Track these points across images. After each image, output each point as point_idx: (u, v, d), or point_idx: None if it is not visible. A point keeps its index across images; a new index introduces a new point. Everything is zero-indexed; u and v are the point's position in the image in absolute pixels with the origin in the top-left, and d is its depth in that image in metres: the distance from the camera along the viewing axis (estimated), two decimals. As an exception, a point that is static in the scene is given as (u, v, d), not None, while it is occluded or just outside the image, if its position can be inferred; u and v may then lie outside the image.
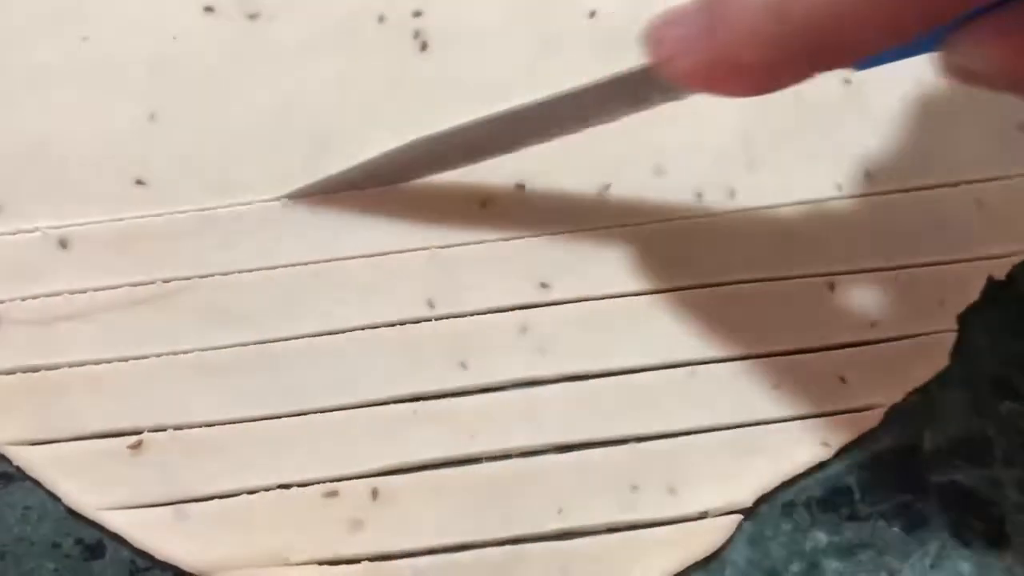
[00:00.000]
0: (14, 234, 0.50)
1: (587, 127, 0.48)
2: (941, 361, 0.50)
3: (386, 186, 0.51)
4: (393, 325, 0.50)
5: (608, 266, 0.51)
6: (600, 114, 0.47)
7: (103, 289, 0.50)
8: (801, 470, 0.49)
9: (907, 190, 0.52)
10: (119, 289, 0.50)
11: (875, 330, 0.50)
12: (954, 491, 0.49)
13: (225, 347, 0.49)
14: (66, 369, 0.49)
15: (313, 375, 0.49)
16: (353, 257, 0.50)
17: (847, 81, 0.53)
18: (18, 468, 0.48)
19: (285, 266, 0.50)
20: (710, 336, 0.50)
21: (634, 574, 0.48)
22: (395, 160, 0.50)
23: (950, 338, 0.51)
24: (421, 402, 0.49)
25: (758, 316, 0.50)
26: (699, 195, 0.52)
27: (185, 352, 0.49)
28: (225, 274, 0.50)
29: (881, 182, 0.52)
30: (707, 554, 0.48)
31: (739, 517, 0.48)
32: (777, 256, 0.51)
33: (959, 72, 0.38)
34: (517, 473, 0.49)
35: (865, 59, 0.38)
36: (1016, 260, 0.52)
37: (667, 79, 0.40)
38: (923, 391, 0.50)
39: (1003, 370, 0.51)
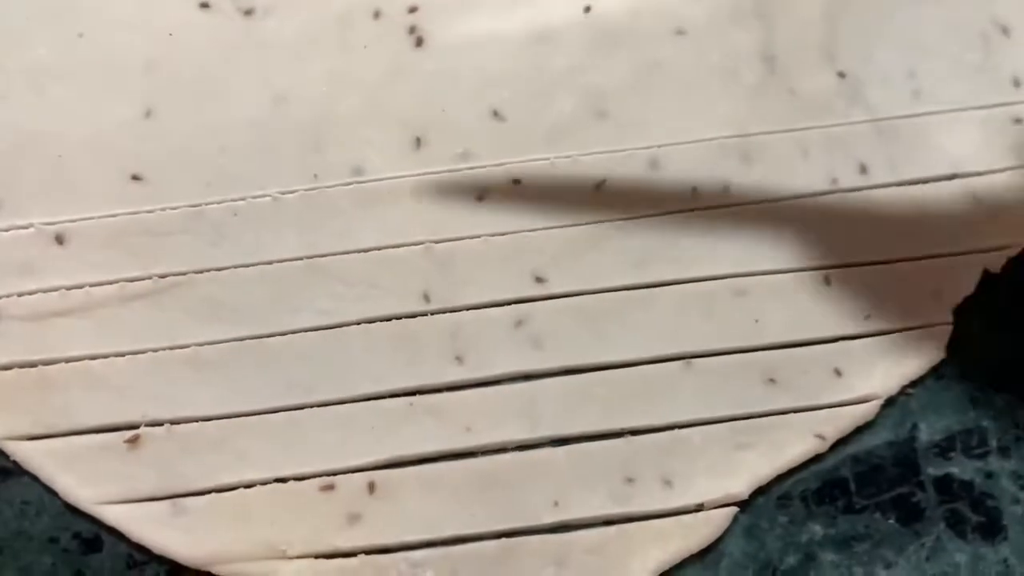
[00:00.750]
0: (10, 230, 0.51)
1: None
2: (937, 354, 0.50)
3: None
4: (389, 319, 0.50)
5: (604, 260, 0.51)
6: None
7: (99, 285, 0.50)
8: (797, 463, 0.49)
9: (902, 183, 0.52)
10: (115, 284, 0.50)
11: (870, 323, 0.50)
12: (950, 483, 0.49)
13: (221, 342, 0.49)
14: (63, 364, 0.49)
15: (309, 369, 0.49)
16: (349, 252, 0.50)
17: (841, 75, 0.53)
18: (15, 463, 0.49)
19: (280, 261, 0.50)
20: (706, 329, 0.50)
21: (630, 566, 0.48)
22: None
23: (946, 331, 0.51)
24: (417, 396, 0.49)
25: (753, 309, 0.50)
26: (694, 189, 0.52)
27: (181, 347, 0.49)
28: (220, 269, 0.50)
29: (876, 175, 0.52)
30: (703, 546, 0.48)
31: (735, 509, 0.49)
32: (772, 249, 0.51)
33: None
34: (513, 466, 0.49)
35: None
36: (1011, 253, 0.52)
37: None
38: (919, 384, 0.50)
39: (998, 362, 0.51)
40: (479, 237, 0.51)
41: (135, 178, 0.51)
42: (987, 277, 0.52)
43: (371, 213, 0.51)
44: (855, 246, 0.51)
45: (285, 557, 0.47)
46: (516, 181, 0.52)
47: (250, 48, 0.53)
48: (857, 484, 0.49)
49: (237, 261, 0.50)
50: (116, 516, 0.48)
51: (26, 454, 0.48)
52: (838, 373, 0.50)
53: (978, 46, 0.54)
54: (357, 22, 0.53)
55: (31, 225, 0.51)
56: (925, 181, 0.52)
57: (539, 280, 0.51)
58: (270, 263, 0.50)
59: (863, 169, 0.52)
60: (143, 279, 0.50)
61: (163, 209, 0.51)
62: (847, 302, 0.51)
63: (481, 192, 0.51)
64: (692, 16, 0.54)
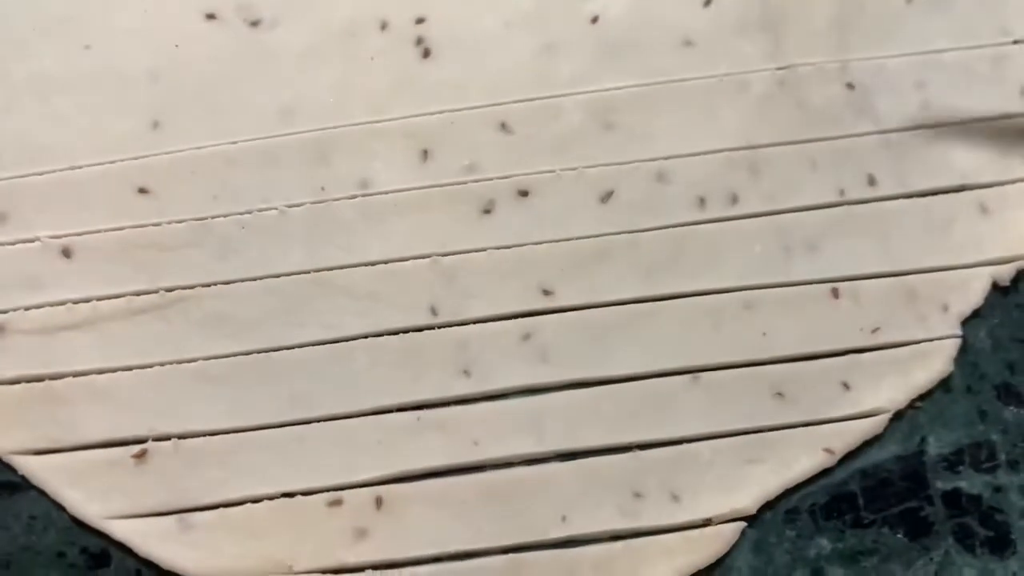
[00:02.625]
0: (16, 243, 0.51)
1: None
2: (945, 367, 0.50)
3: None
4: (396, 333, 0.50)
5: (611, 273, 0.51)
6: None
7: (106, 298, 0.50)
8: (804, 477, 0.49)
9: (911, 195, 0.52)
10: (121, 298, 0.50)
11: (879, 336, 0.50)
12: (958, 498, 0.49)
13: (228, 356, 0.49)
14: (70, 379, 0.49)
15: (316, 384, 0.49)
16: (355, 265, 0.50)
17: (850, 86, 0.53)
18: (23, 477, 0.48)
19: (287, 274, 0.50)
20: (713, 342, 0.50)
21: (638, 582, 0.48)
22: None
23: (954, 344, 0.50)
24: (424, 410, 0.49)
25: (761, 322, 0.50)
26: (702, 201, 0.52)
27: (188, 361, 0.49)
28: (227, 283, 0.50)
29: (884, 187, 0.52)
30: (711, 561, 0.48)
31: (743, 524, 0.48)
32: (780, 262, 0.51)
33: None
34: (520, 481, 0.49)
35: None
36: (1020, 265, 0.52)
37: None
38: (927, 397, 0.50)
39: (1007, 376, 0.51)
40: (486, 250, 0.51)
41: (142, 191, 0.51)
42: (996, 289, 0.51)
43: (377, 226, 0.51)
44: (863, 258, 0.51)
45: (292, 572, 0.47)
46: (523, 193, 0.51)
47: (256, 60, 0.53)
48: (865, 498, 0.49)
49: (243, 275, 0.50)
50: (123, 531, 0.48)
51: (33, 469, 0.48)
52: (846, 387, 0.50)
53: (987, 57, 0.53)
54: (364, 33, 0.53)
55: (37, 238, 0.50)
56: (934, 193, 0.52)
57: (546, 293, 0.50)
58: (276, 276, 0.50)
59: (871, 180, 0.52)
60: (150, 293, 0.50)
61: (169, 222, 0.51)
62: (855, 315, 0.51)
63: (488, 205, 0.51)
64: (699, 27, 0.53)
